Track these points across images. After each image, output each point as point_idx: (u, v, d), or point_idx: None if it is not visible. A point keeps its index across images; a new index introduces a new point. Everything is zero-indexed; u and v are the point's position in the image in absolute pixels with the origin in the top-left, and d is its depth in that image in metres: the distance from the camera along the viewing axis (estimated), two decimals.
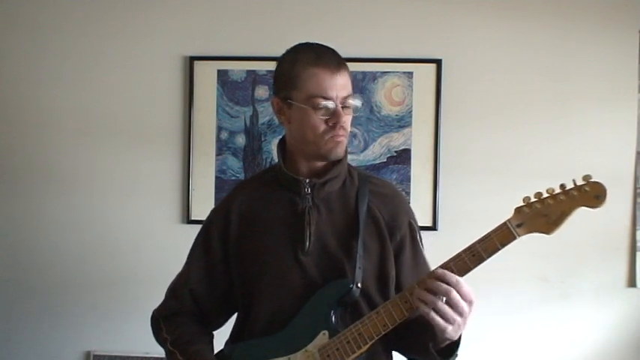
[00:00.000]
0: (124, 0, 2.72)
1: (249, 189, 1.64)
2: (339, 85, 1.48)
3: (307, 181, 1.53)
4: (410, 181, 2.64)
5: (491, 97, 2.65)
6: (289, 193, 1.55)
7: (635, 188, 2.61)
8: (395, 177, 2.64)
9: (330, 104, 1.47)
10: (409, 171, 2.65)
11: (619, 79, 2.62)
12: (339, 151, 1.51)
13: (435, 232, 2.61)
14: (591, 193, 1.36)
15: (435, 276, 1.38)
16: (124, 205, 2.71)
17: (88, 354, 2.70)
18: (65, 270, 2.71)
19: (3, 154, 2.75)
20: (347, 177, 1.59)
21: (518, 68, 2.64)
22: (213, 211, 1.67)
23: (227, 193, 1.70)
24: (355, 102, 1.51)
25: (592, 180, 1.37)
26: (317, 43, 1.55)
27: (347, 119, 1.50)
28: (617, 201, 2.57)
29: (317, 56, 1.50)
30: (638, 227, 2.60)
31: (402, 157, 2.65)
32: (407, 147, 2.65)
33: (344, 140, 1.51)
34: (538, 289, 2.62)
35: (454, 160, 2.63)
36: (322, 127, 1.48)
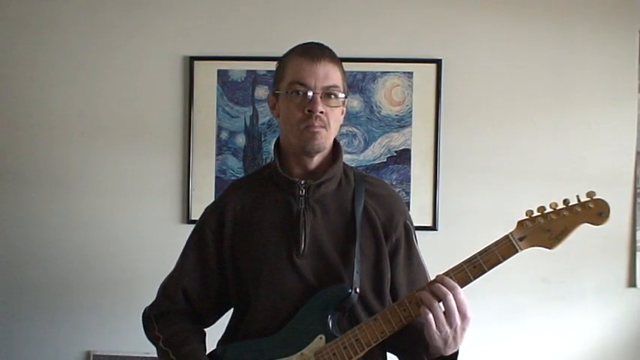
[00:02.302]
0: (124, 0, 2.72)
1: (244, 189, 1.63)
2: (320, 74, 1.47)
3: (302, 182, 1.52)
4: (410, 181, 2.64)
5: (491, 97, 2.65)
6: (284, 194, 1.54)
7: (635, 188, 2.61)
8: (395, 177, 2.64)
9: (308, 92, 1.46)
10: (409, 171, 2.65)
11: (619, 79, 2.62)
12: (317, 144, 1.48)
13: (434, 232, 2.61)
14: (595, 210, 1.36)
15: (436, 280, 1.40)
16: (123, 205, 2.71)
17: (88, 354, 2.70)
18: (65, 270, 2.71)
19: (4, 155, 2.75)
20: (342, 177, 1.58)
21: (518, 68, 2.64)
22: (207, 210, 1.65)
23: (221, 192, 1.69)
24: (339, 94, 1.49)
25: (596, 197, 1.37)
26: (316, 42, 1.55)
27: (329, 111, 1.48)
28: (617, 201, 2.56)
29: (303, 49, 1.51)
30: (638, 227, 2.60)
31: (402, 157, 2.65)
32: (407, 147, 2.65)
33: (321, 132, 1.47)
34: (538, 290, 2.62)
35: (454, 160, 2.63)
36: (298, 115, 1.47)
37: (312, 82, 1.47)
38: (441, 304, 1.37)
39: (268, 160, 2.64)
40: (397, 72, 2.65)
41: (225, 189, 1.69)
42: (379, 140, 2.65)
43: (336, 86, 1.49)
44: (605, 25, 2.62)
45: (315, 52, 1.49)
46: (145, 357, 2.60)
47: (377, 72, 2.64)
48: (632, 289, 2.61)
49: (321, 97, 1.47)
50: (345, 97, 1.53)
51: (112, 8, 2.72)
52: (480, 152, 2.64)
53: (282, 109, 1.52)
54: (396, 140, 2.65)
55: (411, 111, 2.65)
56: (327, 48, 1.53)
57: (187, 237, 1.67)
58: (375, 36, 2.66)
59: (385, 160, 2.65)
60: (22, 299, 2.73)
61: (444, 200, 2.63)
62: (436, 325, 1.36)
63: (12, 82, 2.74)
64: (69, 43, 2.73)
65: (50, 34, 2.73)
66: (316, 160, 1.53)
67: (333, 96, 1.49)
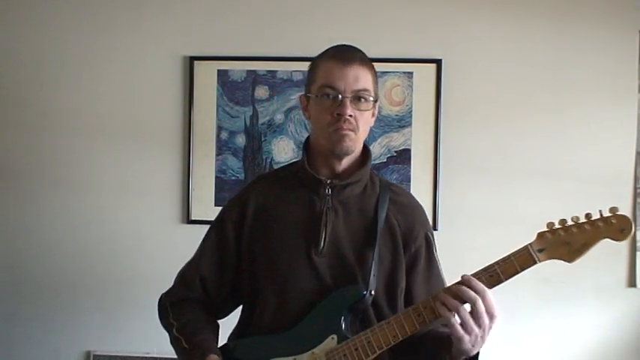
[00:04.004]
0: (124, 0, 2.72)
1: (267, 183, 1.64)
2: (350, 78, 1.48)
3: (328, 181, 1.53)
4: (410, 181, 2.64)
5: (491, 97, 2.65)
6: (308, 192, 1.55)
7: (635, 188, 2.60)
8: (395, 177, 2.64)
9: (338, 95, 1.47)
10: (409, 171, 2.64)
11: (619, 79, 2.62)
12: (345, 146, 1.49)
13: (435, 232, 2.59)
14: (617, 226, 1.36)
15: (462, 281, 1.38)
16: (124, 205, 2.71)
17: (88, 354, 2.70)
18: (65, 270, 2.71)
19: (4, 154, 2.75)
20: (368, 182, 1.59)
21: (518, 68, 2.64)
22: (229, 202, 1.67)
23: (245, 185, 1.70)
24: (369, 98, 1.50)
25: (619, 213, 1.36)
26: (348, 44, 1.56)
27: (358, 115, 1.48)
28: (617, 201, 2.56)
29: (335, 51, 1.53)
30: (638, 227, 2.60)
31: (402, 157, 2.65)
32: (407, 147, 2.65)
33: (349, 134, 1.48)
34: (538, 290, 2.61)
35: (454, 160, 2.63)
36: (328, 117, 1.48)
37: (341, 85, 1.47)
38: (467, 305, 1.37)
39: (268, 160, 2.63)
40: (397, 72, 2.64)
41: (250, 182, 1.71)
42: (379, 140, 2.65)
43: (366, 90, 1.50)
44: (605, 25, 2.61)
45: (346, 55, 1.51)
46: (146, 357, 2.59)
47: (377, 72, 2.62)
48: (632, 289, 2.61)
49: (350, 101, 1.47)
50: (376, 101, 1.54)
51: (111, 8, 2.72)
52: (480, 152, 2.64)
53: (312, 112, 1.54)
54: (396, 140, 2.65)
55: (411, 111, 2.65)
56: (359, 51, 1.54)
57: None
58: (375, 36, 2.65)
59: (385, 160, 2.65)
60: (22, 299, 2.73)
61: (444, 200, 2.63)
62: (464, 329, 1.35)
63: (12, 82, 2.75)
64: (69, 43, 2.73)
65: (50, 34, 2.73)
66: (344, 163, 1.54)
67: (362, 99, 1.49)
